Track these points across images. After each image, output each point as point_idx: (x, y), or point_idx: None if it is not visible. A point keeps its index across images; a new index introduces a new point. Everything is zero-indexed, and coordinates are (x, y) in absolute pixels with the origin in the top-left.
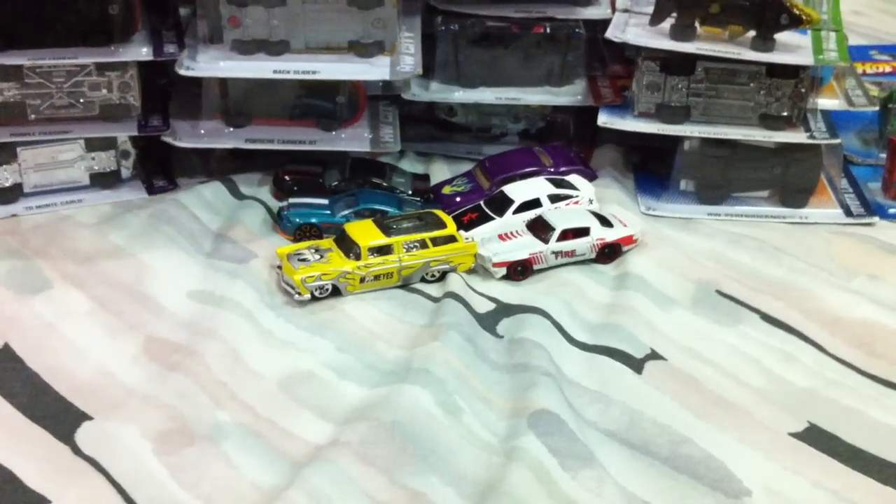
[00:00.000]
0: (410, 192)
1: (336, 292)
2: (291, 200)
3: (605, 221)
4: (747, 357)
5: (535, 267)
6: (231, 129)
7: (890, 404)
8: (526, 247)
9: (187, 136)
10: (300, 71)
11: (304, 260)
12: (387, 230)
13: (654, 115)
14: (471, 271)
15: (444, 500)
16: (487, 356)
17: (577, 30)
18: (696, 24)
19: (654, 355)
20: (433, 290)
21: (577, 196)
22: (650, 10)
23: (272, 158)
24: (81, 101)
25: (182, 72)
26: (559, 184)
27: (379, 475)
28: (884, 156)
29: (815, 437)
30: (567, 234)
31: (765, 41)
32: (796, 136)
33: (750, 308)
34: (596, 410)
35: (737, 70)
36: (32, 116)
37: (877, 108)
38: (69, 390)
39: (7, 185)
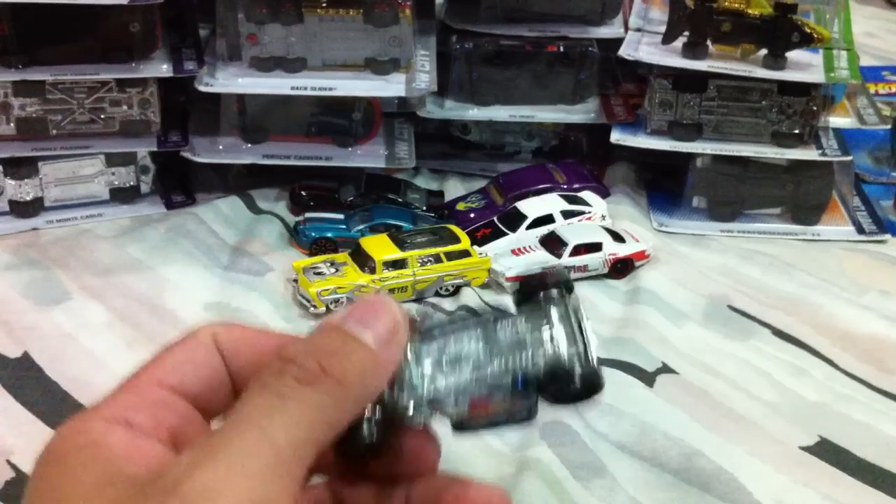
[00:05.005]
0: (425, 208)
1: None
2: (307, 215)
3: (617, 237)
4: (758, 371)
5: None
6: (248, 146)
7: None
8: (539, 262)
9: (206, 152)
10: (317, 87)
11: (319, 273)
12: (401, 244)
13: (666, 132)
14: (484, 286)
15: None
16: None
17: (590, 49)
18: (709, 43)
19: (665, 369)
20: (447, 304)
21: (589, 212)
22: (663, 28)
23: (288, 174)
24: (102, 116)
25: (202, 88)
26: (572, 200)
27: None
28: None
29: (826, 451)
30: (580, 250)
31: (776, 59)
32: (808, 154)
33: (761, 323)
34: (607, 423)
35: (748, 88)
36: (54, 132)
37: (888, 127)
38: (88, 399)
39: (28, 198)
